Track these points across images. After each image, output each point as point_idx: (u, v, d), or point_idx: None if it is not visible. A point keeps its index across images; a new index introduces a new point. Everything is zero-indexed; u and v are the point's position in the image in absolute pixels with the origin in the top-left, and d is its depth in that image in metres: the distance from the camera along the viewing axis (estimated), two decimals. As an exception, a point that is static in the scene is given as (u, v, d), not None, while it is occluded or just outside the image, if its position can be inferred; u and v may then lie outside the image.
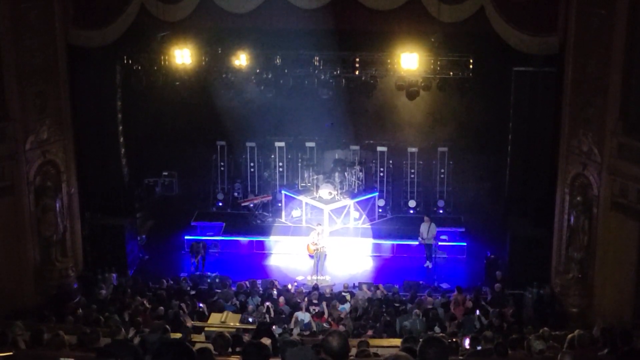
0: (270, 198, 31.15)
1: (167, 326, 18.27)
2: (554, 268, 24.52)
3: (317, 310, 22.31)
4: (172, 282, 25.24)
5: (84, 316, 21.40)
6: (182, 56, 27.30)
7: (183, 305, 22.54)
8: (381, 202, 30.90)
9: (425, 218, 27.74)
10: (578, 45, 22.81)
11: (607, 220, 22.27)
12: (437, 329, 20.98)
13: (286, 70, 28.21)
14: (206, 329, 19.46)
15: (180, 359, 5.67)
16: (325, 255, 27.07)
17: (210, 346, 12.03)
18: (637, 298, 21.19)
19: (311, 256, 27.26)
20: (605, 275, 22.47)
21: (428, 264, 27.53)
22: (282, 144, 31.31)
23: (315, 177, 30.30)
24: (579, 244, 23.21)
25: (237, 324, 20.15)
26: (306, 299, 23.45)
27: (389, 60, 27.36)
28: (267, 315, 21.77)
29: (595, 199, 22.66)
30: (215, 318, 20.77)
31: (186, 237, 28.87)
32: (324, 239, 27.02)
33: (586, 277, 23.21)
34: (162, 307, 22.01)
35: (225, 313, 20.96)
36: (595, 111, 22.39)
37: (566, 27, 23.21)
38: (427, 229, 27.34)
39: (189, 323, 20.50)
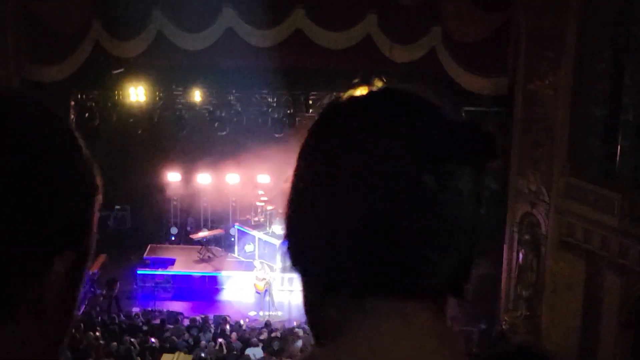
0: (222, 232, 31.18)
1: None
2: (502, 305, 24.80)
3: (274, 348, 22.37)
4: (124, 318, 25.16)
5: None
6: (137, 94, 27.37)
7: (135, 341, 22.51)
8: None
9: None
10: (527, 85, 23.24)
11: (554, 259, 22.62)
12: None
13: (240, 109, 28.34)
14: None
15: None
16: (271, 284, 26.93)
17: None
18: (583, 336, 21.52)
19: (258, 292, 27.17)
20: (552, 313, 22.78)
21: None
22: (235, 178, 31.42)
23: (269, 211, 30.34)
24: (528, 282, 23.54)
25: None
26: (258, 335, 23.52)
27: (341, 100, 27.54)
28: (219, 352, 21.80)
29: (543, 237, 23.02)
30: (167, 359, 20.74)
31: (139, 272, 28.80)
32: (267, 272, 26.94)
33: (534, 315, 23.51)
34: (115, 343, 21.97)
35: (177, 354, 20.95)
36: (544, 151, 22.81)
37: (515, 68, 23.66)
38: None
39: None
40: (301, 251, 1.58)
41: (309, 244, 1.55)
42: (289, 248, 1.60)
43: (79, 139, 1.51)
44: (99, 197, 1.52)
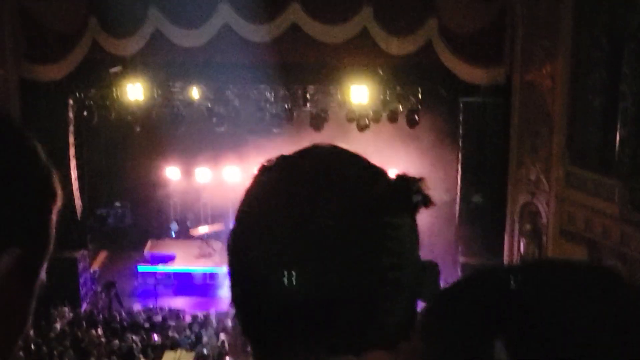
0: (222, 227, 31.14)
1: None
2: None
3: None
4: (125, 315, 25.20)
5: (37, 351, 21.33)
6: (135, 91, 27.34)
7: (137, 338, 22.55)
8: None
9: None
10: (524, 75, 23.27)
11: (556, 248, 22.65)
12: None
13: (237, 104, 28.33)
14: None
15: None
16: None
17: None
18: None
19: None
20: (554, 302, 22.80)
21: None
22: (235, 173, 31.36)
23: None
24: (529, 272, 23.57)
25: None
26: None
27: (339, 93, 27.56)
28: (221, 348, 21.85)
29: (544, 226, 23.06)
30: (168, 357, 20.76)
31: (139, 268, 28.81)
32: None
33: (536, 304, 23.55)
34: (117, 341, 22.01)
35: (178, 352, 20.98)
36: (542, 140, 22.85)
37: (512, 58, 23.67)
38: None
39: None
40: (251, 317, 1.59)
41: (256, 309, 1.55)
42: (237, 315, 1.61)
43: (35, 144, 1.52)
44: (57, 203, 1.52)
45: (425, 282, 1.55)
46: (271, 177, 1.61)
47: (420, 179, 1.58)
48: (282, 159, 1.65)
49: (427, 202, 1.59)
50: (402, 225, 1.54)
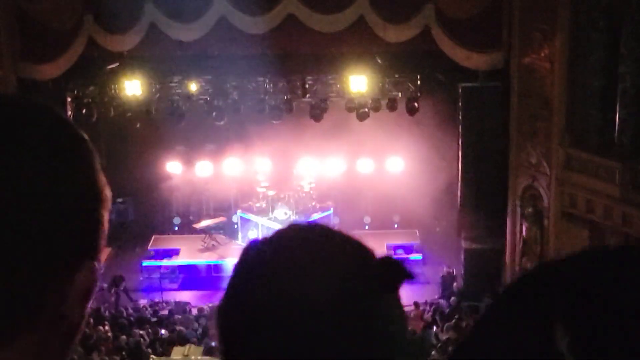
0: (225, 220, 31.17)
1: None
2: (508, 279, 24.82)
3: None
4: (132, 310, 25.23)
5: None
6: (133, 87, 27.31)
7: (144, 333, 22.58)
8: (336, 220, 30.99)
9: None
10: (522, 59, 23.27)
11: (558, 230, 22.71)
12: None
13: (237, 97, 28.27)
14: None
15: None
16: None
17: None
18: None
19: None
20: (558, 285, 22.85)
21: None
22: (236, 166, 31.34)
23: (270, 197, 30.23)
24: (532, 254, 23.62)
25: (199, 357, 20.21)
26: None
27: (338, 83, 27.51)
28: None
29: (545, 209, 23.10)
30: (177, 352, 20.79)
31: (144, 263, 28.86)
32: None
33: (540, 287, 23.59)
34: (124, 336, 22.04)
35: (187, 347, 21.02)
36: (542, 124, 22.87)
37: (510, 42, 23.66)
38: None
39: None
40: None
41: None
42: None
43: (94, 150, 1.52)
44: (109, 207, 1.52)
45: (415, 354, 1.57)
46: (255, 260, 1.63)
47: (404, 261, 1.62)
48: (265, 240, 1.66)
49: (411, 278, 1.60)
50: (391, 306, 1.57)
